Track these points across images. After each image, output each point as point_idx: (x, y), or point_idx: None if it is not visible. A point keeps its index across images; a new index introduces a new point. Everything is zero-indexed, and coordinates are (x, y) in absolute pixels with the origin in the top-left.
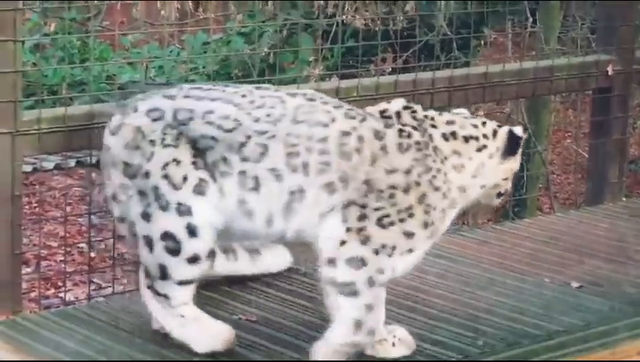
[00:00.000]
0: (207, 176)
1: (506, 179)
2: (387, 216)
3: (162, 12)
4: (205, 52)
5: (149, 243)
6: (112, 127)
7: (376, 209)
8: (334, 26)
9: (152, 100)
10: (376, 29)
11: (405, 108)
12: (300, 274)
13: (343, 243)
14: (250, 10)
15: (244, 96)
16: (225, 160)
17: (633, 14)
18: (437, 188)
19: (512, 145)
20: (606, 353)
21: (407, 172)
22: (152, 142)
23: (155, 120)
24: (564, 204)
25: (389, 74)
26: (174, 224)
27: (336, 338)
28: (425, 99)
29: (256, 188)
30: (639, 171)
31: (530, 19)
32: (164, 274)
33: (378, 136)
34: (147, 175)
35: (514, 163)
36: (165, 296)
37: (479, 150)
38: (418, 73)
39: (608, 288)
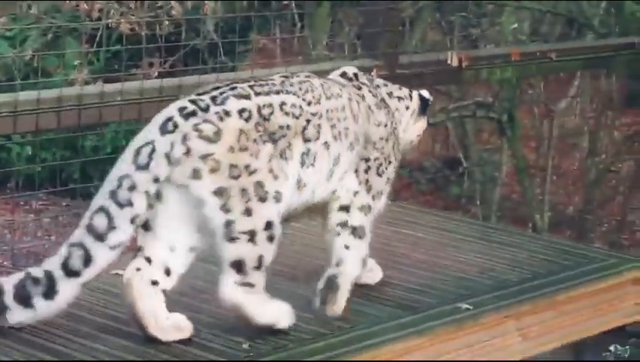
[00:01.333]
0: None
1: (418, 135)
2: (381, 164)
3: None
4: None
5: (252, 236)
6: (211, 134)
7: (375, 159)
8: (100, 30)
9: (232, 102)
10: (142, 33)
11: (355, 73)
12: None
13: (356, 193)
14: (14, 13)
15: (292, 85)
16: (289, 145)
17: (397, 20)
18: (397, 139)
19: (423, 106)
20: (371, 354)
21: (386, 125)
22: (255, 140)
23: (247, 120)
24: None
25: (156, 78)
26: (272, 212)
27: (352, 271)
28: None
29: (314, 163)
30: (406, 176)
31: (299, 25)
32: (259, 264)
33: (362, 98)
34: (254, 172)
35: (424, 122)
36: (252, 285)
37: (407, 108)
38: (183, 77)
39: (374, 291)
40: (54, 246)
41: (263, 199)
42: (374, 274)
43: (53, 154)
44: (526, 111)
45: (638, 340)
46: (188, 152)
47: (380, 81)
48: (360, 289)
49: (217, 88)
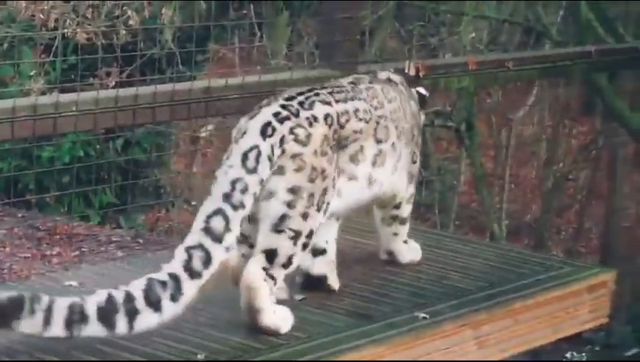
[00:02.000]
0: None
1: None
2: (415, 153)
3: None
4: None
5: (296, 236)
6: (303, 138)
7: (413, 152)
8: (56, 40)
9: (318, 108)
10: (99, 43)
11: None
12: None
13: (406, 188)
14: None
15: (360, 92)
16: (362, 148)
17: (355, 30)
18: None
19: (422, 101)
20: None
21: (415, 115)
22: (332, 147)
23: (330, 126)
24: None
25: (113, 88)
26: (318, 222)
27: (403, 246)
28: (146, 113)
29: (383, 162)
30: None
31: (258, 34)
32: (287, 263)
33: (401, 93)
34: (326, 177)
35: (422, 116)
36: (274, 279)
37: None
38: (140, 87)
39: (330, 300)
40: (8, 257)
41: (319, 209)
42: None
43: (9, 165)
44: (485, 119)
45: (593, 347)
46: (283, 153)
47: None
48: (315, 299)
49: (301, 94)
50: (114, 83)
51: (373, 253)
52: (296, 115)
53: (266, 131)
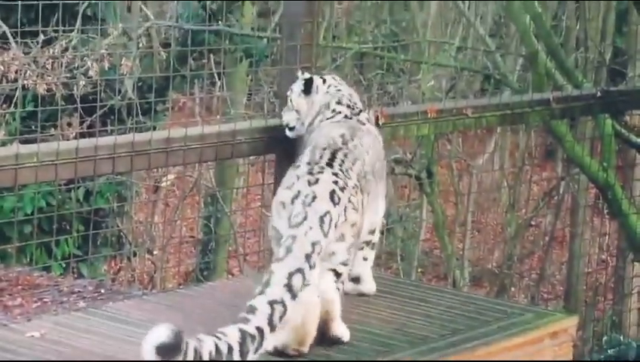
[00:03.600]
0: None
1: None
2: (384, 186)
3: None
4: None
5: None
6: (356, 205)
7: (384, 185)
8: (17, 91)
9: (352, 175)
10: (59, 93)
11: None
12: None
13: (380, 218)
14: None
15: (352, 150)
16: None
17: None
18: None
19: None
20: None
21: (382, 150)
22: None
23: (360, 190)
24: (254, 266)
25: (75, 138)
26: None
27: (368, 276)
28: (106, 164)
29: (364, 208)
30: None
31: (218, 83)
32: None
33: (370, 134)
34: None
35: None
36: (339, 291)
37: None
38: (100, 138)
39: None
40: None
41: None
42: None
43: None
44: (446, 166)
45: None
46: (345, 220)
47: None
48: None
49: (333, 158)
50: (74, 133)
51: None
52: (347, 185)
53: (334, 199)
